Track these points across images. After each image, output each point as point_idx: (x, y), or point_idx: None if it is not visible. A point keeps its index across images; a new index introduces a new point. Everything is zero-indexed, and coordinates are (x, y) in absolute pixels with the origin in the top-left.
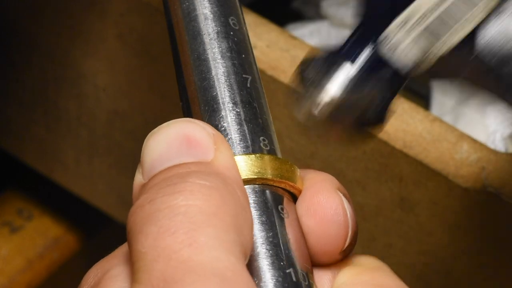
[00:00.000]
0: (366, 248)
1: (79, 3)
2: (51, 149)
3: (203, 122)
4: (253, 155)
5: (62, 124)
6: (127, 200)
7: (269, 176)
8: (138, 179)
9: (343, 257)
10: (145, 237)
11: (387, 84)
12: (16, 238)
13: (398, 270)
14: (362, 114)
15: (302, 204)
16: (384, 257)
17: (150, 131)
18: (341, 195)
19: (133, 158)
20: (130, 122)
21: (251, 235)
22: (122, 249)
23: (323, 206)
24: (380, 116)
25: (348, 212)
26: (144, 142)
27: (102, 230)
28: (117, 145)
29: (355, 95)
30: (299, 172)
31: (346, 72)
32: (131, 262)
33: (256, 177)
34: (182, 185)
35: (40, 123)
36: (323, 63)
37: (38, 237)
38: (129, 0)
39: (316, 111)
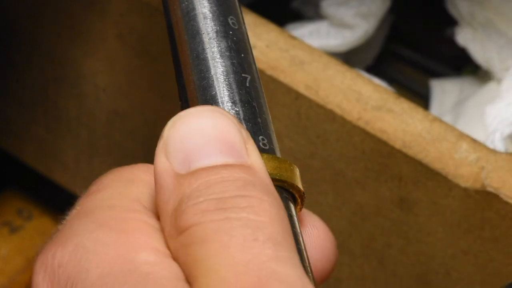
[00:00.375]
0: (365, 248)
1: (79, 3)
2: (51, 149)
3: (231, 114)
4: None
5: (62, 124)
6: None
7: (272, 176)
8: (166, 164)
9: None
10: (231, 237)
11: None
12: (16, 238)
13: (397, 269)
14: None
15: (314, 243)
16: (383, 257)
17: (150, 131)
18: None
19: (133, 158)
20: (130, 122)
21: None
22: (140, 223)
23: (322, 236)
24: None
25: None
26: (170, 125)
27: None
28: (117, 145)
29: None
30: (298, 171)
31: None
32: (199, 257)
33: None
34: (247, 199)
35: (40, 123)
36: None
37: (38, 237)
38: (129, 0)
39: None
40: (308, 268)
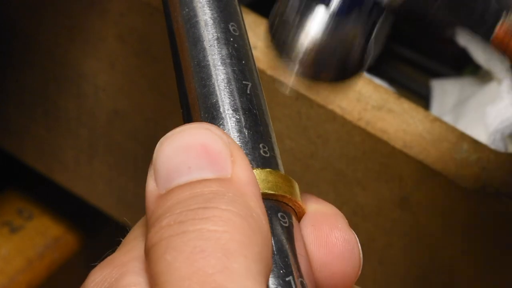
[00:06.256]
0: (366, 248)
1: (79, 3)
2: (51, 149)
3: (218, 129)
4: (253, 170)
5: (62, 124)
6: (126, 200)
7: (269, 191)
8: (152, 186)
9: None
10: (178, 253)
11: (367, 18)
12: (16, 238)
13: (398, 270)
14: (345, 54)
15: (318, 238)
16: (383, 257)
17: (150, 130)
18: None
19: (133, 158)
20: (130, 122)
21: (271, 260)
22: (132, 253)
23: (341, 243)
24: (362, 55)
25: (360, 249)
26: (157, 147)
27: (102, 230)
28: (117, 145)
29: (336, 34)
30: (297, 186)
31: (323, 14)
32: (154, 273)
33: None
34: (210, 210)
35: (40, 123)
36: (298, 7)
37: (38, 237)
38: (129, 0)
39: (300, 57)
40: (291, 276)
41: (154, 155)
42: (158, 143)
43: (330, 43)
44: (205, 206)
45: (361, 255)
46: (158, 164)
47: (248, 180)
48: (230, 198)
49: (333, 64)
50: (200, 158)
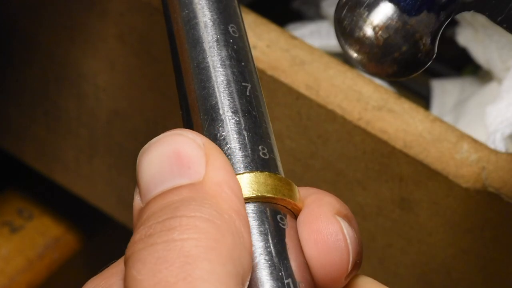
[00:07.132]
0: (366, 248)
1: (79, 3)
2: (51, 149)
3: (192, 132)
4: (253, 173)
5: (62, 124)
6: (127, 200)
7: (268, 194)
8: (137, 201)
9: (348, 281)
10: (143, 265)
11: (434, 18)
12: (16, 238)
13: (398, 270)
14: (415, 42)
15: (302, 232)
16: (384, 257)
17: (150, 130)
18: (339, 219)
19: (133, 158)
20: (130, 122)
21: (250, 260)
22: (121, 266)
23: (323, 234)
24: (432, 44)
25: (348, 237)
26: (138, 160)
27: (102, 230)
28: (117, 145)
29: (402, 31)
30: (297, 189)
31: (391, 10)
32: (125, 287)
33: (254, 195)
34: (177, 220)
35: (40, 123)
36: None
37: (38, 237)
38: (129, 0)
39: (364, 49)
40: (291, 279)
41: (136, 169)
42: (138, 156)
43: (395, 38)
44: (172, 216)
45: (350, 241)
46: (139, 178)
47: (222, 179)
48: (198, 203)
49: (396, 59)
50: (173, 165)
